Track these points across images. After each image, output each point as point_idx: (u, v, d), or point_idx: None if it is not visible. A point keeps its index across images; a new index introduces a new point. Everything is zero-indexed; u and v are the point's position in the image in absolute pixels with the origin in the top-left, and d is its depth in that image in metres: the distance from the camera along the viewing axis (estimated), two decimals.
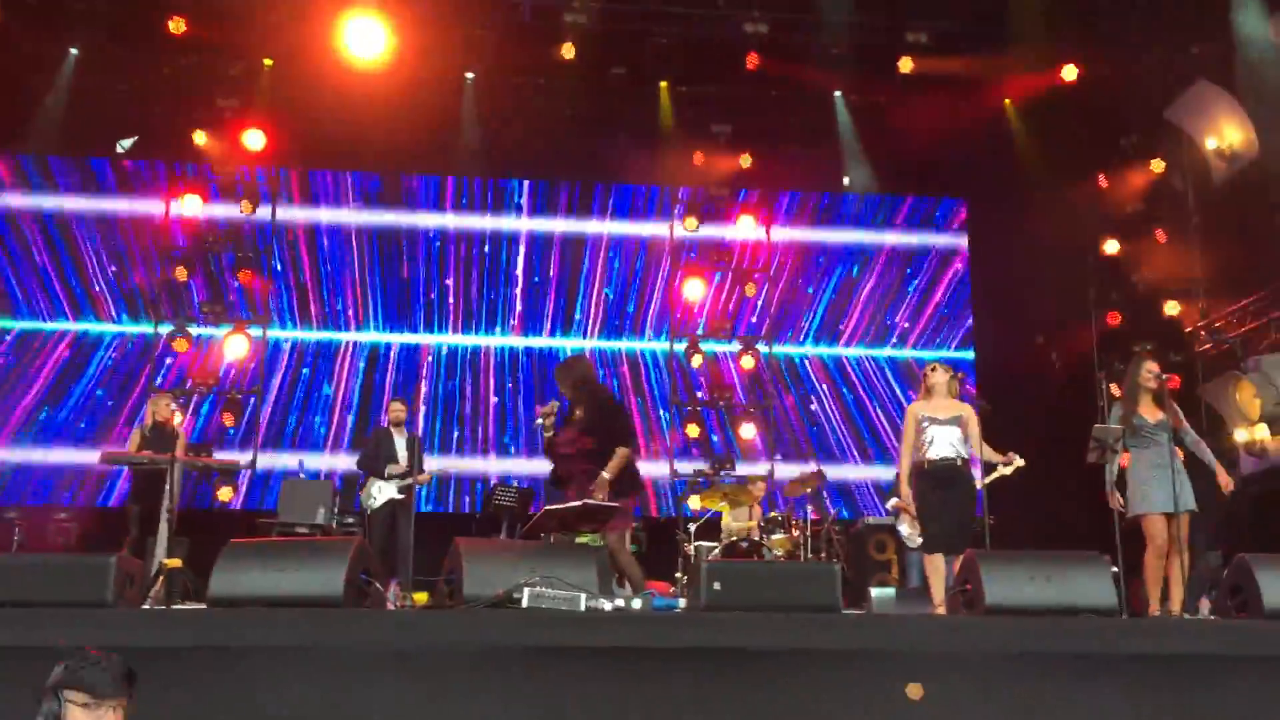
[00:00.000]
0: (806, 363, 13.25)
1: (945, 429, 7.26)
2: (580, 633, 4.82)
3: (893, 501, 9.69)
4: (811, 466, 11.02)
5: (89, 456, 11.69)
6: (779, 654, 4.89)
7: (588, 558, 5.81)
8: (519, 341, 12.97)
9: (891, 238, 13.56)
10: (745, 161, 12.78)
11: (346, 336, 12.76)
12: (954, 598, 5.61)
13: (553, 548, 6.56)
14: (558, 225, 13.26)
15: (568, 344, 12.92)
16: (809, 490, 10.33)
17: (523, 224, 13.23)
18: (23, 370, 12.22)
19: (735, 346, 13.02)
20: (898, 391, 13.16)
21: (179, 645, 4.65)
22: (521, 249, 13.16)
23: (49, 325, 12.39)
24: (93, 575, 4.92)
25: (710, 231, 13.23)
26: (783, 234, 13.43)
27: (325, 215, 12.97)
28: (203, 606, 5.36)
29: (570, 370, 7.19)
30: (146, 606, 5.82)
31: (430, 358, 12.72)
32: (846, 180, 13.23)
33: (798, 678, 4.89)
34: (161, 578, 6.11)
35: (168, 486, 7.69)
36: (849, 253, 13.50)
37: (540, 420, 7.12)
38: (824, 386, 13.17)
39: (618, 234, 13.28)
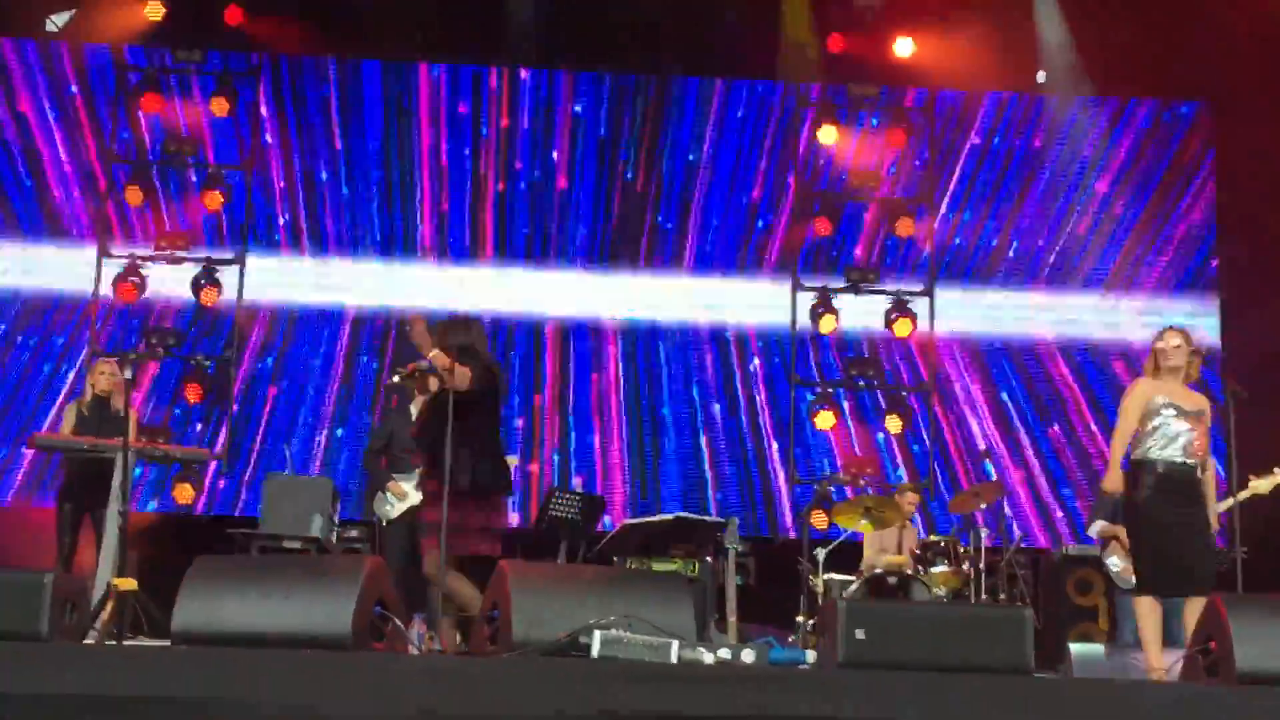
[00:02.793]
0: (981, 326, 13.10)
1: (1185, 424, 7.14)
2: (671, 694, 4.84)
3: (1098, 525, 9.58)
4: (989, 474, 10.94)
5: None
6: None
7: (680, 591, 5.86)
8: (584, 286, 13.03)
9: (1102, 154, 13.33)
10: (904, 48, 12.57)
11: (353, 282, 12.92)
12: (1192, 660, 5.55)
13: (632, 577, 6.62)
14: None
15: (658, 300, 12.96)
16: (984, 506, 10.24)
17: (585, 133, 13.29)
18: None
19: (884, 304, 12.93)
20: (1106, 366, 12.98)
21: (134, 694, 4.76)
22: (589, 164, 13.18)
23: None
24: (21, 598, 5.06)
25: (850, 144, 13.16)
26: (950, 149, 13.30)
27: (316, 117, 13.14)
28: (165, 644, 5.49)
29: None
30: (90, 641, 5.97)
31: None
32: (1042, 77, 13.06)
33: None
34: (110, 603, 6.26)
35: (117, 481, 7.86)
36: (1042, 177, 13.30)
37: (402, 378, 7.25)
38: (1006, 361, 13.02)
39: (721, 150, 13.24)
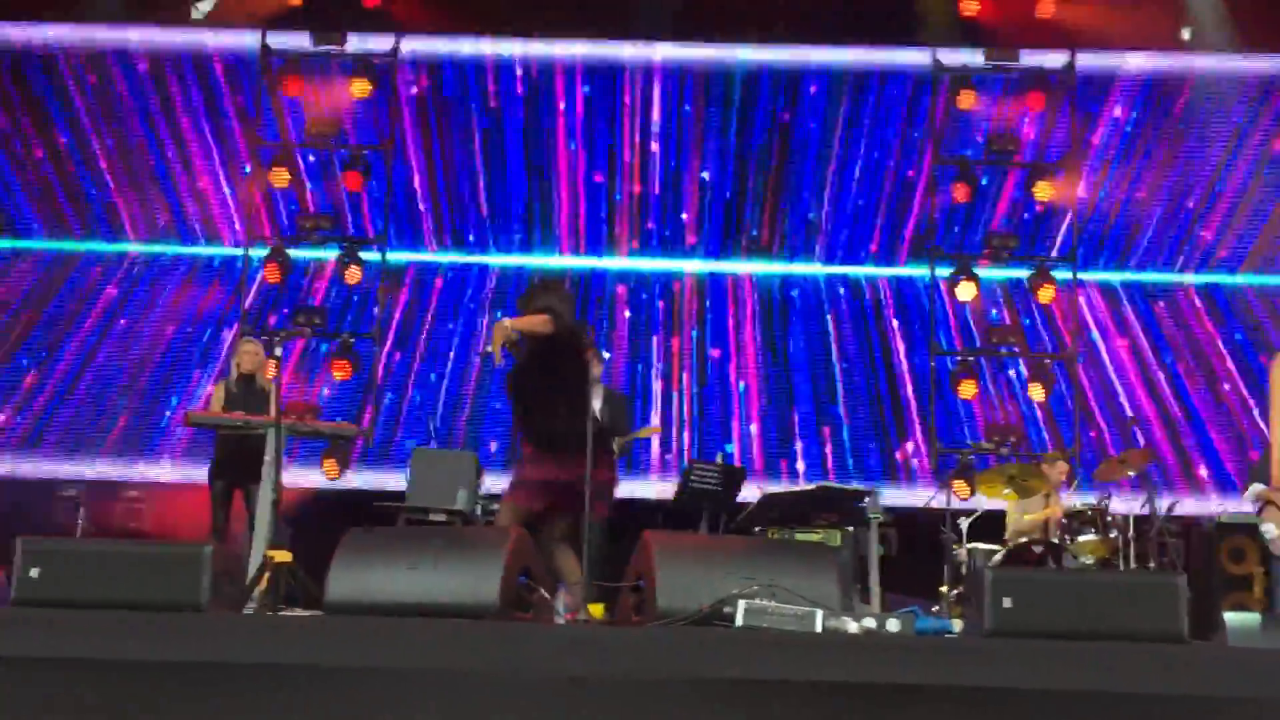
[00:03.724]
0: (1126, 293, 12.85)
1: None
2: (816, 663, 4.82)
3: (1255, 489, 9.34)
4: (1137, 441, 10.74)
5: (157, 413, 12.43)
6: (1096, 699, 4.78)
7: (824, 561, 5.84)
8: (713, 265, 13.01)
9: (1251, 112, 12.96)
10: (1044, 9, 12.40)
11: (494, 259, 13.05)
12: None
13: (775, 547, 6.61)
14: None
15: (789, 268, 12.91)
16: (1132, 473, 10.06)
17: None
18: (73, 304, 12.94)
19: (1024, 272, 12.73)
20: (1258, 331, 12.67)
21: (290, 662, 4.86)
22: (730, 139, 13.16)
23: (106, 246, 13.07)
24: (181, 570, 5.19)
25: (987, 111, 12.98)
26: (1090, 116, 13.04)
27: (455, 97, 13.28)
28: (318, 614, 5.61)
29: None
30: (248, 612, 6.11)
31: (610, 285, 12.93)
32: (1187, 33, 12.73)
33: None
34: (266, 575, 6.40)
35: (268, 457, 8.04)
36: (1189, 137, 12.97)
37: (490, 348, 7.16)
38: (1151, 326, 12.76)
39: (859, 117, 13.12)
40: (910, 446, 12.67)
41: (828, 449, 12.65)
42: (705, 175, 13.11)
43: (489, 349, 7.00)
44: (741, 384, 12.79)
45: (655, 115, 13.20)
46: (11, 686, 4.86)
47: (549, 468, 6.86)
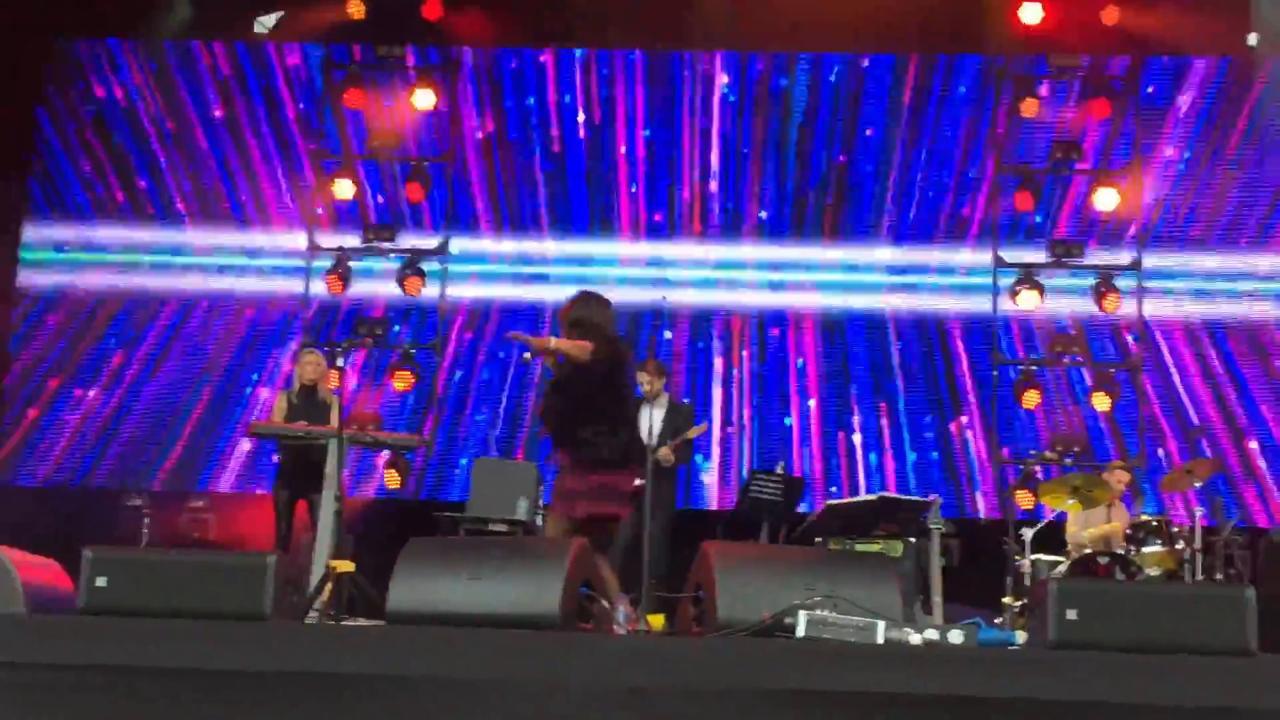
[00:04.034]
0: (1191, 302, 12.72)
1: None
2: (878, 674, 4.82)
3: None
4: (1204, 451, 10.62)
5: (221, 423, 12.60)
6: (1162, 712, 4.75)
7: (885, 572, 5.82)
8: (771, 275, 13.01)
9: None
10: (1110, 15, 12.30)
11: (554, 270, 13.09)
12: None
13: (837, 558, 6.60)
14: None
15: (854, 277, 12.89)
16: (1199, 484, 9.96)
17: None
18: (139, 315, 13.09)
19: (1088, 281, 12.63)
20: None
21: (352, 672, 4.90)
22: (790, 142, 13.15)
23: (171, 258, 13.21)
24: (246, 579, 5.26)
25: (1052, 116, 12.91)
26: (1155, 123, 12.91)
27: (514, 108, 13.34)
28: (380, 623, 5.65)
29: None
30: (311, 621, 6.16)
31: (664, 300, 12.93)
32: (1254, 39, 12.57)
33: None
34: (328, 585, 6.46)
35: (329, 468, 8.10)
36: (1255, 147, 12.82)
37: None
38: (1217, 333, 12.62)
39: (920, 125, 13.07)
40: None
41: (888, 459, 12.59)
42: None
43: (525, 340, 7.06)
44: (802, 397, 12.75)
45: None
46: (79, 693, 4.93)
47: (584, 478, 6.86)
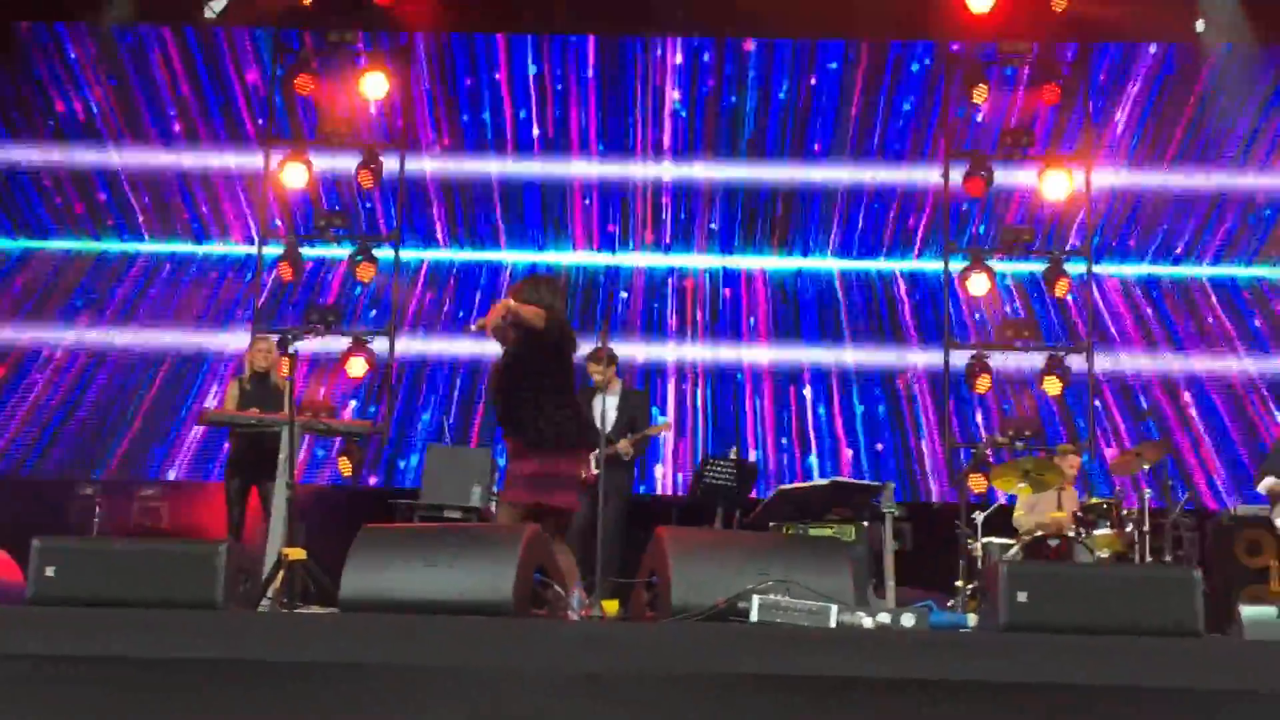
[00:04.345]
0: (1145, 288, 12.83)
1: None
2: (831, 657, 4.84)
3: (1268, 482, 9.34)
4: (1153, 434, 10.72)
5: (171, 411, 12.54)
6: (1111, 693, 4.79)
7: (838, 556, 5.85)
8: (725, 261, 13.04)
9: (1264, 106, 12.91)
10: (1059, 2, 12.33)
11: (508, 256, 13.07)
12: None
13: (789, 542, 6.61)
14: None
15: (802, 262, 12.93)
16: (1147, 467, 10.04)
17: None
18: (87, 304, 12.99)
19: (1039, 266, 12.71)
20: (1272, 326, 12.65)
21: (305, 660, 4.89)
22: (743, 135, 13.17)
23: (116, 246, 13.13)
24: (197, 568, 5.23)
25: (1002, 103, 12.99)
26: (1103, 109, 13.03)
27: (470, 93, 13.31)
28: (333, 611, 5.63)
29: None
30: (264, 609, 6.14)
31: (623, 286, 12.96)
32: (1201, 26, 12.68)
33: None
34: (281, 572, 6.43)
35: (282, 454, 8.07)
36: (1203, 133, 12.93)
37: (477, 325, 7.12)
38: (1166, 318, 12.74)
39: (873, 113, 13.12)
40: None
41: (841, 444, 12.65)
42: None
43: (481, 322, 7.00)
44: (754, 380, 12.79)
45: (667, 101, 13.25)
46: (28, 684, 4.89)
47: (533, 463, 6.84)
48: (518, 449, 6.94)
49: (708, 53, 13.25)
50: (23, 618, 5.15)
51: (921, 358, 12.82)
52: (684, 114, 13.21)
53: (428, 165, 13.16)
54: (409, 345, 12.93)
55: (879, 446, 12.64)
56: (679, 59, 13.27)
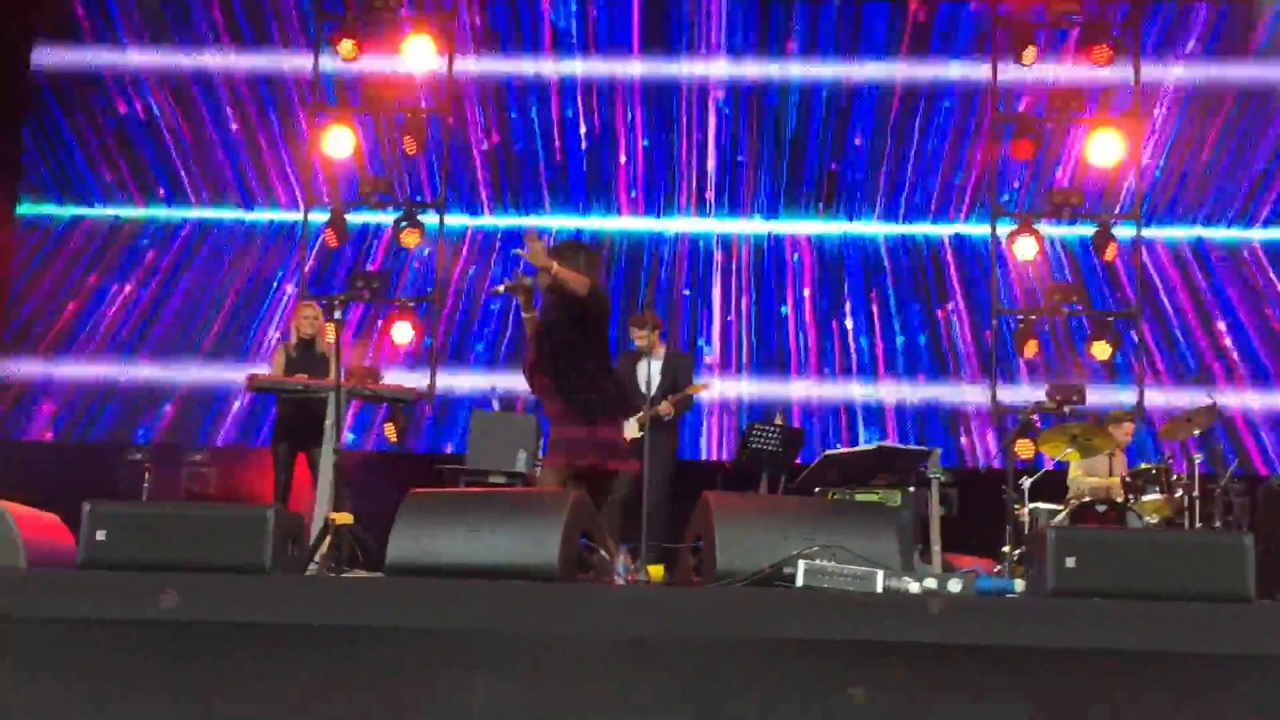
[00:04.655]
0: (1195, 253, 12.71)
1: None
2: (877, 623, 4.83)
3: None
4: (1202, 398, 10.59)
5: (219, 377, 12.62)
6: (1160, 659, 4.76)
7: (884, 522, 5.83)
8: (774, 228, 12.99)
9: None
10: None
11: (552, 221, 13.06)
12: None
13: (836, 508, 6.59)
14: (825, 70, 13.15)
15: (852, 227, 12.88)
16: (1198, 432, 9.95)
17: (793, 69, 13.18)
18: (135, 270, 13.08)
19: (1087, 229, 12.59)
20: None
21: (351, 624, 4.92)
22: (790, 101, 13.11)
23: (163, 213, 13.21)
24: (245, 533, 5.26)
25: (1050, 69, 12.82)
26: (1154, 71, 12.85)
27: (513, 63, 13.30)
28: (379, 575, 5.66)
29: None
30: (311, 573, 6.18)
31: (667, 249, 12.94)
32: None
33: (1187, 690, 4.76)
34: (328, 537, 6.47)
35: (329, 420, 8.11)
36: (1256, 92, 12.77)
37: (506, 287, 7.08)
38: (1217, 282, 12.62)
39: (918, 77, 13.01)
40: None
41: (887, 409, 12.61)
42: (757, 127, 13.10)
43: (507, 284, 7.01)
44: (799, 344, 12.76)
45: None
46: (78, 648, 4.95)
47: (574, 428, 6.85)
48: (561, 413, 6.95)
49: (752, 31, 13.16)
50: (74, 581, 5.21)
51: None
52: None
53: (472, 128, 13.16)
54: (454, 310, 12.95)
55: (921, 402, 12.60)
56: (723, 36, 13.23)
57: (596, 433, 6.82)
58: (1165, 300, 12.69)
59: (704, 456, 12.50)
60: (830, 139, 13.04)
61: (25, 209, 13.18)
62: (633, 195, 13.09)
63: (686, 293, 12.91)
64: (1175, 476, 9.63)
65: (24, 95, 13.20)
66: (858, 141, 13.04)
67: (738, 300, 12.92)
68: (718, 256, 12.99)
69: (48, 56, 13.31)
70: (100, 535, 5.32)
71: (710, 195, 13.08)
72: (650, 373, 9.43)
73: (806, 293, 12.88)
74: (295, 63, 13.25)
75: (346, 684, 4.91)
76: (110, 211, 13.22)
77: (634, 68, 13.21)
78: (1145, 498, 9.48)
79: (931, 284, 12.84)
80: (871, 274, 12.87)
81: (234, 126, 13.22)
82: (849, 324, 12.79)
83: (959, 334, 12.77)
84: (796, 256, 12.96)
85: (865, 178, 12.98)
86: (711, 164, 13.10)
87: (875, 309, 12.80)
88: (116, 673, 4.96)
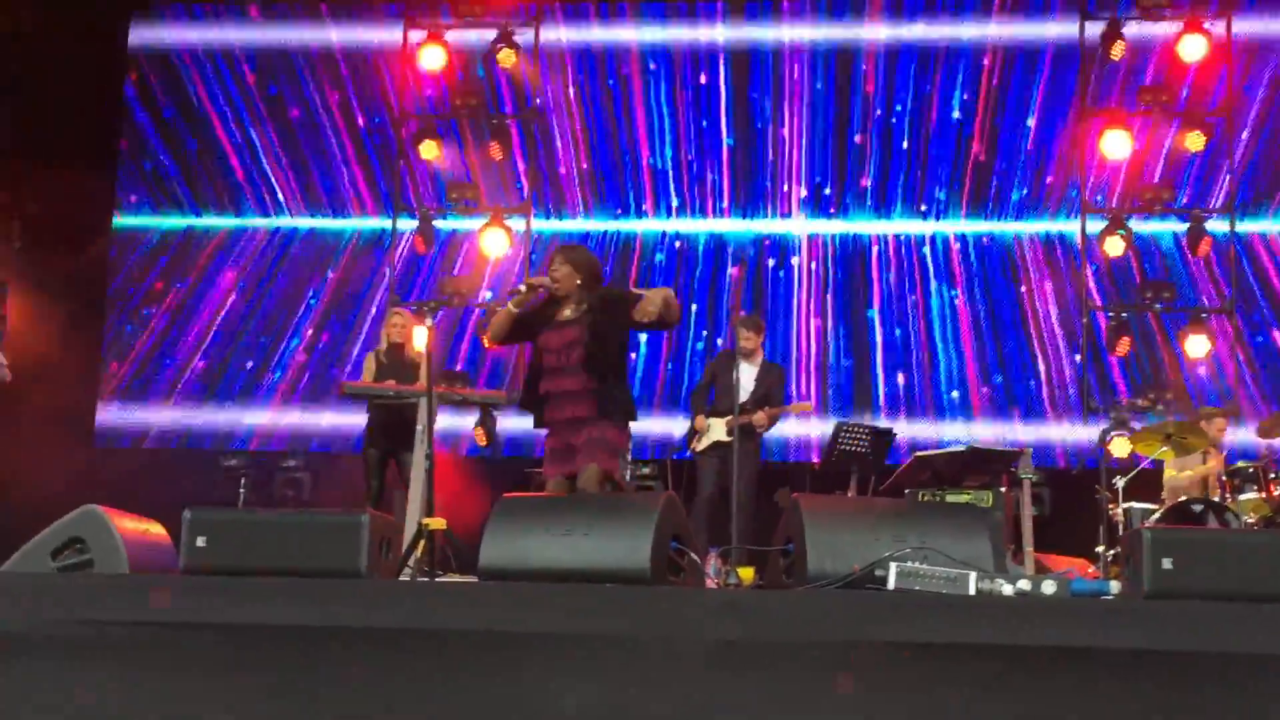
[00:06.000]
0: None
1: None
2: (970, 625, 4.80)
3: None
4: None
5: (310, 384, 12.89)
6: (1259, 661, 4.69)
7: (977, 523, 5.78)
8: (848, 226, 12.95)
9: None
10: None
11: (640, 225, 13.11)
12: None
13: (926, 509, 6.56)
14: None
15: (930, 227, 12.81)
16: None
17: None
18: (228, 278, 13.32)
19: (1181, 225, 12.42)
20: None
21: (445, 627, 4.97)
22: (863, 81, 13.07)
23: (248, 222, 13.44)
24: (341, 538, 5.34)
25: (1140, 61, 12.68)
26: (1253, 56, 12.68)
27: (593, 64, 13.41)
28: (472, 580, 5.71)
29: (581, 255, 7.09)
30: (405, 578, 6.24)
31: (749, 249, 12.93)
32: None
33: None
34: (421, 542, 6.53)
35: (420, 426, 8.18)
36: None
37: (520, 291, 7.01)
38: None
39: (1002, 67, 12.93)
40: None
41: (976, 410, 12.51)
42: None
43: (530, 283, 7.01)
44: (887, 343, 12.70)
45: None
46: (179, 651, 5.05)
47: (589, 432, 6.70)
48: (580, 420, 6.80)
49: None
50: (175, 587, 5.30)
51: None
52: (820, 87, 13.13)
53: (557, 133, 13.24)
54: None
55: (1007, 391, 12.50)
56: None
57: (599, 432, 6.69)
58: (1259, 294, 12.49)
59: (789, 457, 12.46)
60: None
61: (122, 221, 13.43)
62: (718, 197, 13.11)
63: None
64: (1274, 475, 9.49)
65: (118, 116, 13.48)
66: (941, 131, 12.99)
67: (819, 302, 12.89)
68: (802, 261, 12.97)
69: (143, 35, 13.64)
70: (200, 542, 5.43)
71: (793, 188, 13.07)
72: (747, 378, 9.49)
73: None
74: (384, 73, 13.40)
75: (439, 688, 4.96)
76: (204, 221, 13.43)
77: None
78: (1243, 496, 9.35)
79: (1020, 283, 12.73)
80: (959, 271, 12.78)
81: (325, 133, 13.39)
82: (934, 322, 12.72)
83: (1046, 331, 12.64)
84: (881, 258, 12.90)
85: (950, 176, 12.91)
86: (797, 162, 13.08)
87: (962, 308, 12.70)
88: (216, 677, 5.05)
